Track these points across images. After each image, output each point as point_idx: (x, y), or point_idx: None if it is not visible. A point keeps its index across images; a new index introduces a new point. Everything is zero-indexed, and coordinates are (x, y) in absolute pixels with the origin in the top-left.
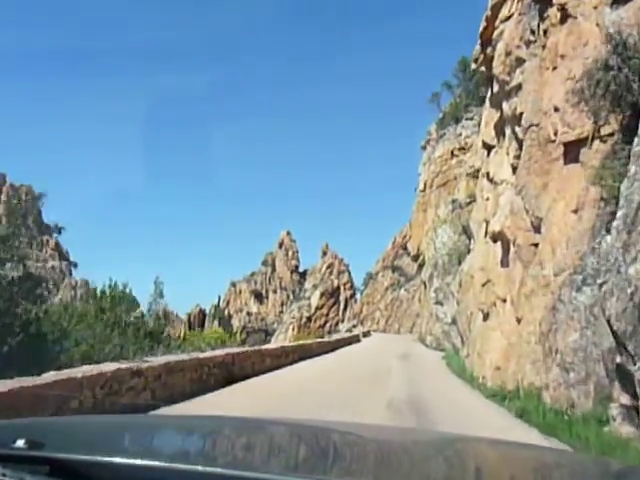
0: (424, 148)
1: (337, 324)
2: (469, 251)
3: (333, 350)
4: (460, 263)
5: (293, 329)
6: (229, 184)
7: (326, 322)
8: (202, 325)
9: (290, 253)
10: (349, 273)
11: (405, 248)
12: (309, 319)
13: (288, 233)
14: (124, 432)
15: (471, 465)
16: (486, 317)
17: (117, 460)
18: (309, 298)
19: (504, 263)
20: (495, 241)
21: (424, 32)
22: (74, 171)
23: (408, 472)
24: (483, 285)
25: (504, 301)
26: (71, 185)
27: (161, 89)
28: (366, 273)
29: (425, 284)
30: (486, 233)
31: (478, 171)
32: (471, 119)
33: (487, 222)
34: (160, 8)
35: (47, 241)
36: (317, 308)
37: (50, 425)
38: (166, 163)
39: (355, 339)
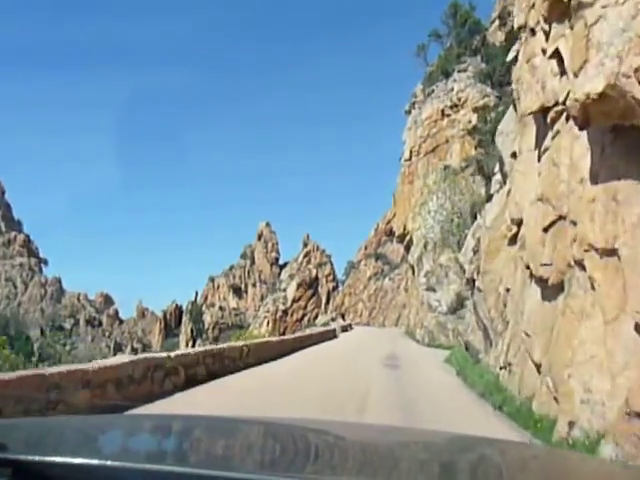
0: (408, 112)
1: (316, 317)
2: (490, 198)
3: (295, 351)
4: (476, 217)
5: (268, 324)
6: (206, 173)
7: (304, 315)
8: (179, 322)
9: (270, 245)
10: (331, 265)
11: (389, 234)
12: (285, 312)
13: (267, 224)
14: (91, 433)
15: (453, 462)
16: (553, 293)
17: (83, 461)
18: (285, 290)
19: (601, 174)
20: (583, 127)
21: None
22: (49, 175)
23: (387, 469)
24: (546, 229)
25: (610, 253)
26: (48, 187)
27: (137, 91)
28: (347, 262)
29: (413, 268)
30: (540, 135)
31: (475, 128)
32: (464, 70)
33: (549, 108)
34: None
35: (15, 237)
36: (294, 300)
37: (13, 426)
38: (143, 159)
39: (330, 335)
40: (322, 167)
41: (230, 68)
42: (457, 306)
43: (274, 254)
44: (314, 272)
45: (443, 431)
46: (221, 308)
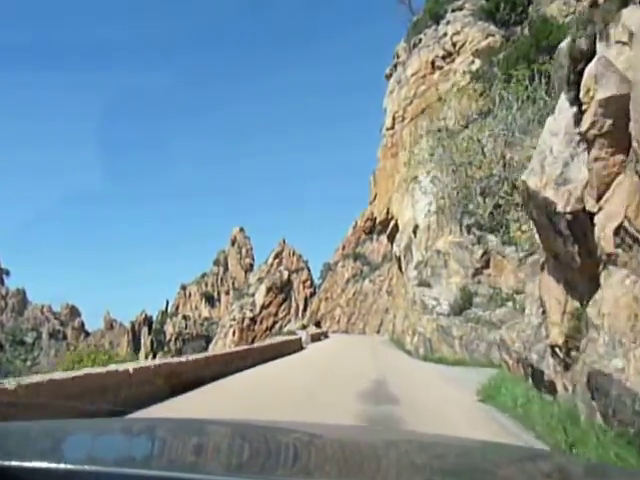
0: (389, 77)
1: (289, 325)
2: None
3: (204, 383)
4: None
5: (234, 333)
6: (181, 181)
7: (275, 323)
8: (149, 333)
9: (244, 250)
10: (309, 270)
11: (369, 232)
12: (253, 320)
13: (241, 229)
14: (64, 437)
15: (435, 463)
16: None
17: (54, 466)
18: (253, 295)
19: None
20: None
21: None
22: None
23: (366, 471)
24: None
25: None
26: (19, 198)
27: (95, 103)
28: (323, 264)
29: (399, 260)
30: None
31: (478, 71)
32: (460, 9)
33: None
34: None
35: None
36: (263, 306)
37: None
38: (118, 165)
39: (296, 347)
40: (300, 173)
41: (195, 78)
42: (464, 304)
43: (248, 260)
44: (285, 275)
45: (429, 433)
46: (185, 317)
